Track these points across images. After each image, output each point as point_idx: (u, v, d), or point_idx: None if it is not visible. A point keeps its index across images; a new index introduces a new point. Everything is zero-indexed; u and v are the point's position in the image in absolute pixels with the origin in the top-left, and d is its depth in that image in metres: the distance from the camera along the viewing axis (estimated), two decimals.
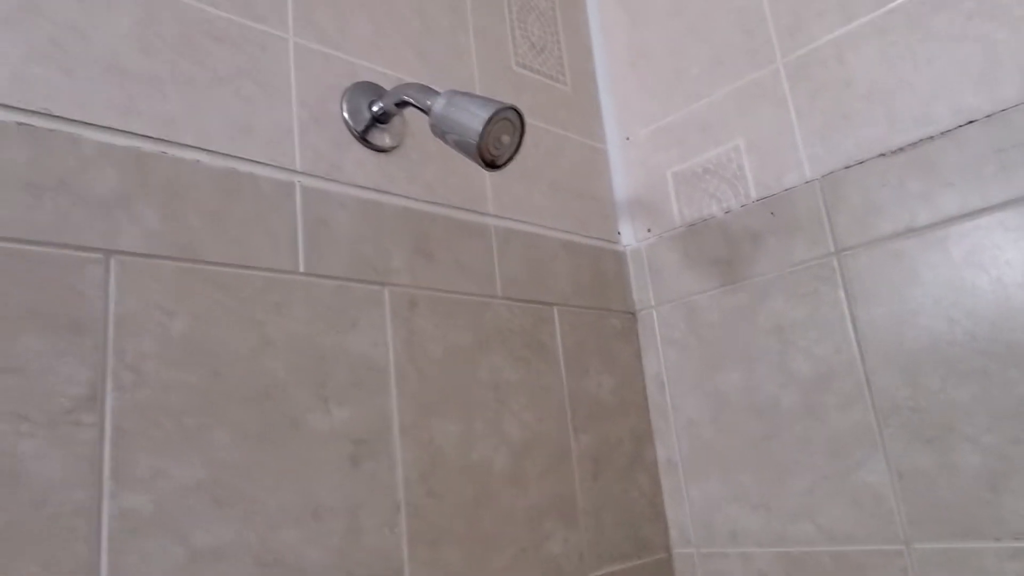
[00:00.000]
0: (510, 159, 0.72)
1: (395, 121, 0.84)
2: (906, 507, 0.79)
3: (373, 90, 0.83)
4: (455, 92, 0.72)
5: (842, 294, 0.86)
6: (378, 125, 0.82)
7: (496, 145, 0.70)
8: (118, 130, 0.61)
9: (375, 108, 0.81)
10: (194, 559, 0.56)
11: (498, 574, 0.77)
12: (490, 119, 0.68)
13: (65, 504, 0.52)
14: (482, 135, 0.68)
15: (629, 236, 1.09)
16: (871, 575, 0.81)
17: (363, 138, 0.81)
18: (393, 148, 0.83)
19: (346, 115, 0.80)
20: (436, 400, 0.77)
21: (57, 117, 0.58)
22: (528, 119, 1.01)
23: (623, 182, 1.11)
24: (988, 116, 0.78)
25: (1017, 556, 0.72)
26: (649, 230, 1.07)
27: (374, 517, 0.68)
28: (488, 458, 0.80)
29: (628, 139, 1.12)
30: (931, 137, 0.81)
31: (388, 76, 0.85)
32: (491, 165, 0.71)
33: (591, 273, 1.01)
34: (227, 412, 0.61)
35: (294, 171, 0.73)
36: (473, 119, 0.69)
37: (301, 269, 0.70)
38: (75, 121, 0.59)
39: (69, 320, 0.55)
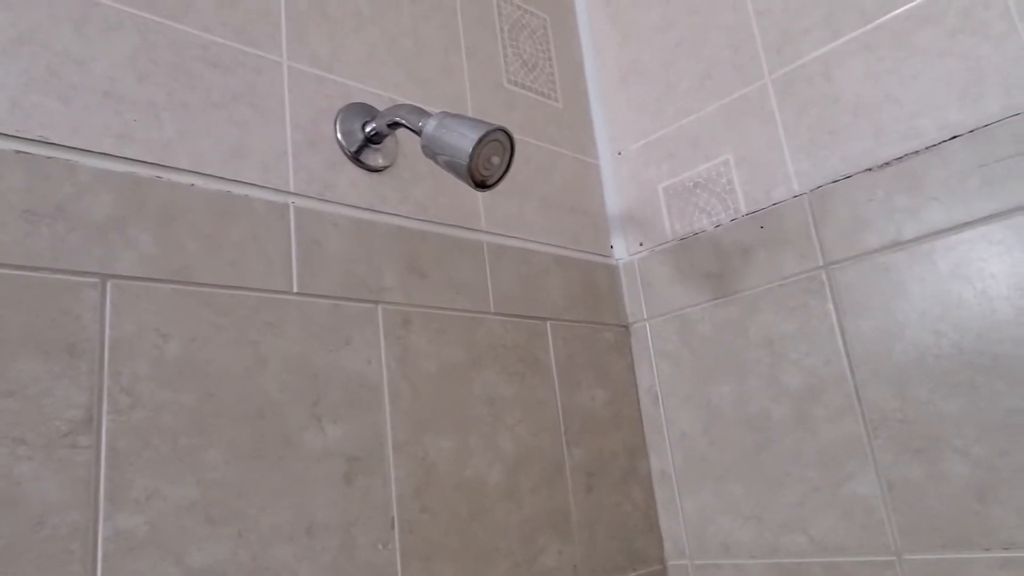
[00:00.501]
0: (500, 179, 0.73)
1: (388, 141, 0.85)
2: (897, 518, 0.80)
3: (366, 111, 0.84)
4: (446, 114, 0.73)
5: (831, 307, 0.87)
6: (371, 145, 0.83)
7: (486, 166, 0.71)
8: (114, 156, 0.63)
9: (368, 129, 0.82)
10: None
11: None
12: (480, 140, 0.69)
13: (61, 526, 0.53)
14: (472, 156, 0.69)
15: (621, 250, 1.10)
16: None
17: (356, 158, 0.82)
18: (386, 168, 0.84)
19: (339, 136, 0.81)
20: (430, 416, 0.78)
21: (54, 144, 0.60)
22: (519, 135, 1.02)
23: (615, 197, 1.12)
24: (972, 131, 0.79)
25: (1006, 566, 0.73)
26: (641, 244, 1.08)
27: (368, 534, 0.69)
28: (482, 473, 0.81)
29: (620, 154, 1.13)
30: (916, 152, 0.83)
31: (381, 97, 0.87)
32: (481, 185, 0.72)
33: (584, 287, 1.02)
34: (221, 432, 0.62)
35: (288, 192, 0.74)
36: (463, 140, 0.70)
37: (295, 289, 0.71)
38: (72, 148, 0.61)
39: (66, 344, 0.56)
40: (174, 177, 0.66)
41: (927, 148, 0.82)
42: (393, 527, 0.71)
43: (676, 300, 1.03)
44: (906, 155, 0.83)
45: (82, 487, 0.54)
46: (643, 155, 1.10)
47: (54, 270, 0.57)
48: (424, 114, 0.76)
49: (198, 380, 0.62)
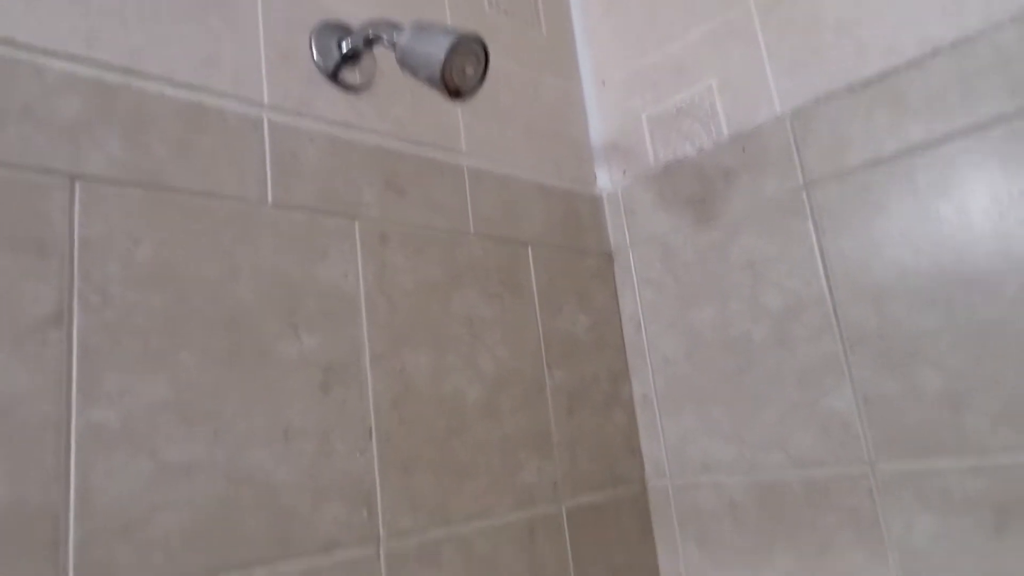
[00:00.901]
0: (474, 89, 0.73)
1: (365, 59, 0.84)
2: (872, 431, 0.81)
3: (342, 28, 0.83)
4: (419, 23, 0.72)
5: (811, 227, 0.87)
6: (348, 63, 0.82)
7: (459, 75, 0.70)
8: (81, 58, 0.62)
9: (344, 46, 0.81)
10: (163, 473, 0.58)
11: (470, 501, 0.78)
12: (453, 47, 0.69)
13: (33, 417, 0.53)
14: (445, 63, 0.68)
15: (605, 179, 1.10)
16: (838, 498, 0.82)
17: (333, 76, 0.81)
18: (363, 86, 0.84)
19: (315, 54, 0.80)
20: (407, 332, 0.78)
21: (20, 45, 0.59)
22: (502, 62, 1.01)
23: (599, 126, 1.12)
24: (952, 44, 0.78)
25: (977, 472, 0.74)
26: (624, 173, 1.08)
27: (345, 441, 0.70)
28: (461, 390, 0.81)
29: (604, 84, 1.12)
30: (897, 68, 0.82)
31: (358, 17, 0.85)
32: (455, 94, 0.71)
33: (566, 215, 1.02)
34: (194, 335, 0.62)
35: (262, 105, 0.73)
36: (437, 48, 0.69)
37: (269, 201, 0.71)
38: (37, 49, 0.60)
39: (34, 241, 0.56)
40: (143, 84, 0.65)
41: (908, 63, 0.81)
42: (371, 437, 0.72)
43: (659, 227, 1.02)
44: (887, 71, 0.83)
45: (53, 380, 0.54)
46: (627, 84, 1.09)
47: (21, 167, 0.56)
48: (398, 27, 0.75)
49: (170, 284, 0.62)
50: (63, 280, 0.56)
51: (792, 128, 0.89)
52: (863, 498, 0.81)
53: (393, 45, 0.74)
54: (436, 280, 0.83)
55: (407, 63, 0.72)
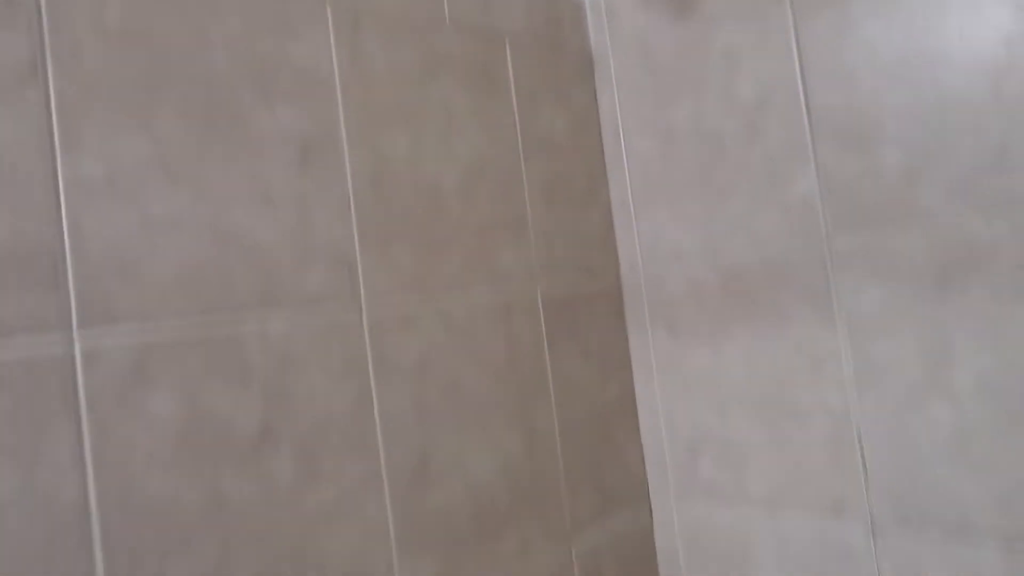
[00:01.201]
0: None
1: None
2: (830, 210, 0.84)
3: None
4: None
5: (788, 10, 0.87)
6: None
7: None
8: None
9: None
10: (150, 224, 0.62)
11: (448, 277, 0.83)
12: None
13: (22, 164, 0.56)
14: None
15: None
16: (797, 274, 0.87)
17: None
18: None
19: None
20: (383, 113, 0.80)
21: None
22: None
23: None
24: None
25: (925, 241, 0.77)
26: None
27: (325, 211, 0.74)
28: (438, 173, 0.84)
29: None
30: None
31: None
32: None
33: (546, 15, 1.01)
34: (171, 97, 0.64)
35: None
36: None
37: None
38: None
39: None
40: None
41: None
42: (350, 209, 0.76)
43: (639, 27, 1.01)
44: None
45: (36, 131, 0.57)
46: None
47: None
48: None
49: (143, 48, 0.63)
50: (33, 33, 0.58)
51: None
52: (817, 273, 0.85)
53: None
54: (412, 67, 0.84)
55: None
